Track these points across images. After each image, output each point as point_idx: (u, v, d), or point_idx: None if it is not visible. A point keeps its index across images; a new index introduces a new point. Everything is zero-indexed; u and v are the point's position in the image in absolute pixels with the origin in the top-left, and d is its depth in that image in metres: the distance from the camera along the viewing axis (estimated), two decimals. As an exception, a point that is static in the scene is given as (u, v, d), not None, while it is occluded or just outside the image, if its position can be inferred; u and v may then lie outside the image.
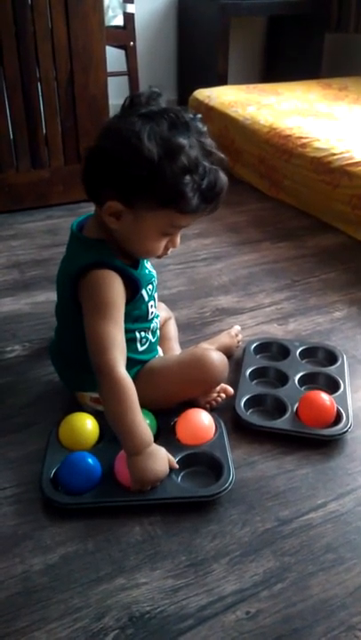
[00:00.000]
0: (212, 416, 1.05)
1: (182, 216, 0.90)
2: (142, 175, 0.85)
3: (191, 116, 0.89)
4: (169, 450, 0.96)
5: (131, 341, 1.01)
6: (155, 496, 0.90)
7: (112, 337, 0.92)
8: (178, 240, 0.97)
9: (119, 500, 0.91)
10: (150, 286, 1.03)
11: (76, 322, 0.96)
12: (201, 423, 1.02)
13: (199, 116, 0.91)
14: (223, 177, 0.90)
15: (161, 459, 0.92)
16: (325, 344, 1.29)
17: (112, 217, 0.91)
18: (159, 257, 0.98)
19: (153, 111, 0.87)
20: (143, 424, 0.92)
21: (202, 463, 0.98)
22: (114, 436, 1.00)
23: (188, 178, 0.85)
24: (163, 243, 0.95)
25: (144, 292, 1.01)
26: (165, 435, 1.02)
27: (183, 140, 0.85)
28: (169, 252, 0.98)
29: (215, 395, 1.10)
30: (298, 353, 1.24)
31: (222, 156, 0.91)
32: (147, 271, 1.03)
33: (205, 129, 0.91)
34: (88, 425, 1.01)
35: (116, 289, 0.94)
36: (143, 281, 1.00)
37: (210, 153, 0.89)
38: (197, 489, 0.93)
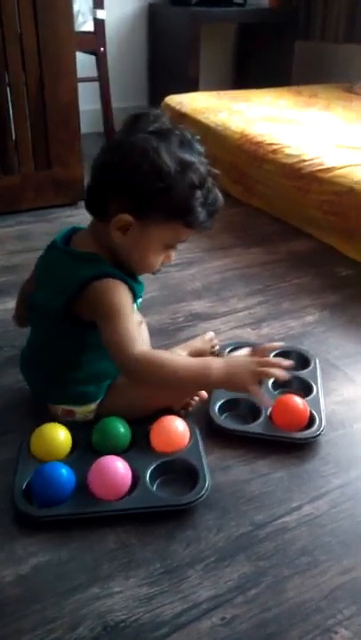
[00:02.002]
0: (186, 422, 1.04)
1: (187, 230, 0.94)
2: (158, 187, 0.87)
3: (190, 136, 0.93)
4: (144, 458, 0.96)
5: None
6: (130, 506, 0.89)
7: (132, 335, 0.91)
8: (173, 255, 1.00)
9: (94, 511, 0.89)
10: (140, 298, 1.04)
11: (63, 335, 0.96)
12: (175, 430, 1.02)
13: (198, 137, 0.94)
14: (220, 194, 0.94)
15: (236, 357, 0.97)
16: (298, 348, 1.30)
17: (119, 231, 0.91)
18: (153, 273, 1.00)
19: (162, 129, 0.90)
20: (193, 361, 0.95)
21: (177, 471, 0.97)
22: (86, 445, 1.00)
23: (198, 193, 0.90)
24: (161, 257, 0.97)
25: (135, 304, 1.00)
26: (140, 443, 1.01)
27: (193, 158, 0.90)
28: (162, 267, 1.00)
29: (189, 399, 1.10)
30: (271, 357, 1.24)
31: (217, 172, 0.95)
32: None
33: (203, 149, 0.94)
34: (60, 435, 0.99)
35: (127, 295, 0.94)
36: (139, 293, 1.00)
37: (208, 170, 0.92)
38: (173, 497, 0.92)
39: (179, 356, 0.95)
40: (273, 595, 0.80)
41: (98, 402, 1.05)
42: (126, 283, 0.94)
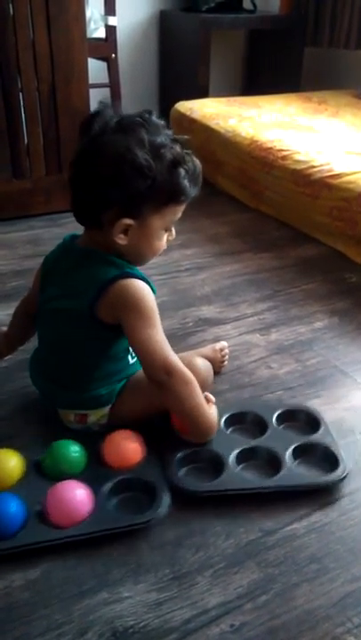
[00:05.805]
0: (139, 434, 1.01)
1: (180, 207, 0.97)
2: (145, 185, 0.89)
3: (147, 115, 0.93)
4: (99, 478, 0.94)
5: (124, 357, 1.03)
6: (87, 530, 0.86)
7: (165, 342, 0.96)
8: (173, 231, 1.01)
9: (51, 539, 0.85)
10: None
11: (82, 337, 0.97)
12: (127, 445, 0.98)
13: (152, 110, 0.96)
14: (195, 158, 0.95)
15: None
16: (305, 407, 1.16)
17: (121, 234, 0.93)
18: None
19: (123, 122, 0.91)
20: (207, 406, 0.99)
21: (134, 488, 0.94)
22: (37, 470, 0.96)
23: (181, 170, 0.91)
24: (165, 238, 1.00)
25: None
26: (94, 461, 0.98)
27: (163, 139, 0.91)
28: (166, 244, 1.02)
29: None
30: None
31: (185, 137, 0.96)
32: None
33: (162, 121, 0.95)
34: (11, 462, 0.95)
35: (153, 296, 0.97)
36: (155, 293, 1.01)
37: (176, 140, 0.94)
38: (130, 516, 0.89)
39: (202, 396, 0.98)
40: (282, 602, 0.79)
41: (110, 406, 1.04)
42: (148, 284, 0.97)
